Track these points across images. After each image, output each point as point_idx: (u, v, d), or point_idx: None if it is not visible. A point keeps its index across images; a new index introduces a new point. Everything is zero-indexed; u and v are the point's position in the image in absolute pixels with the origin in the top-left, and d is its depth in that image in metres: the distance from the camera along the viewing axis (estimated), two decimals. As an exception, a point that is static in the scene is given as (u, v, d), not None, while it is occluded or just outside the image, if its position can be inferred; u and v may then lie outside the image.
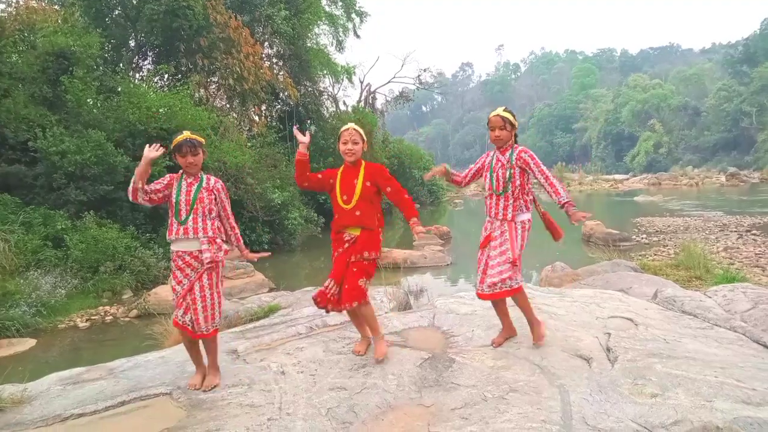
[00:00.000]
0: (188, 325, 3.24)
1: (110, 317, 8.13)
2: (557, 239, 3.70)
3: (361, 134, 3.59)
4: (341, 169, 3.64)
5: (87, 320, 7.92)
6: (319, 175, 3.68)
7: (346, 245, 3.53)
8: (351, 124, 3.63)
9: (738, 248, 11.21)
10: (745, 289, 4.78)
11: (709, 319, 4.16)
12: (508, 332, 3.76)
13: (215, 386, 3.26)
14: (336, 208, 3.59)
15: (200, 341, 3.36)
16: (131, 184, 3.31)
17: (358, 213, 3.49)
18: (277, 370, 3.45)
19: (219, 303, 3.35)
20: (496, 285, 3.50)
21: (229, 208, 3.50)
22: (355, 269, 3.48)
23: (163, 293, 8.35)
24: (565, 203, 3.35)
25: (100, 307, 8.47)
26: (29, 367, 5.45)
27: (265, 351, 3.85)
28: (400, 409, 2.89)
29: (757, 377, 2.97)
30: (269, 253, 4.03)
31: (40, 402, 3.17)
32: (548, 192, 3.45)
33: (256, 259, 3.73)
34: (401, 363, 3.45)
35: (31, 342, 6.89)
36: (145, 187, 3.33)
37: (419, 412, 2.83)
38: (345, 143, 3.55)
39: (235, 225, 3.54)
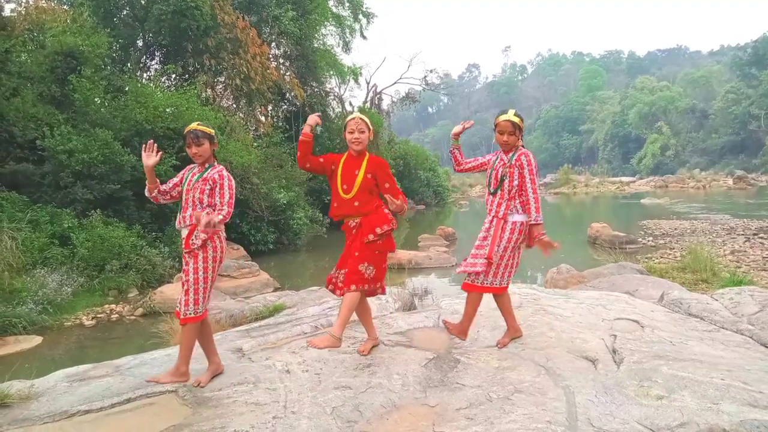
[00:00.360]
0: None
1: (116, 315, 8.17)
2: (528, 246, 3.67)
3: (367, 123, 3.57)
4: (344, 157, 3.63)
5: (93, 318, 7.97)
6: (321, 159, 3.66)
7: (354, 232, 3.52)
8: (357, 113, 3.64)
9: (745, 251, 11.15)
10: (752, 292, 4.76)
11: (716, 321, 4.14)
12: (513, 333, 3.75)
13: (163, 383, 3.19)
14: (335, 196, 3.58)
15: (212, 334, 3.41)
16: (147, 193, 3.40)
17: (356, 203, 3.48)
18: (282, 368, 3.45)
19: (199, 290, 3.18)
20: (465, 274, 3.58)
21: (218, 198, 3.24)
22: (356, 253, 3.45)
23: (169, 292, 8.38)
24: (535, 224, 3.42)
25: (106, 306, 8.51)
26: (36, 364, 5.48)
27: (270, 350, 3.85)
28: (404, 408, 2.88)
29: (764, 380, 2.95)
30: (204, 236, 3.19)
31: (46, 398, 3.18)
32: (528, 202, 3.44)
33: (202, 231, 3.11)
34: (406, 363, 3.45)
35: (37, 339, 6.93)
36: (161, 188, 3.39)
37: (424, 412, 2.83)
38: (351, 132, 3.53)
39: (222, 208, 3.21)
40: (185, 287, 3.19)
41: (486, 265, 3.48)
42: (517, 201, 3.51)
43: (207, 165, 3.36)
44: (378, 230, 3.45)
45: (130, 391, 3.22)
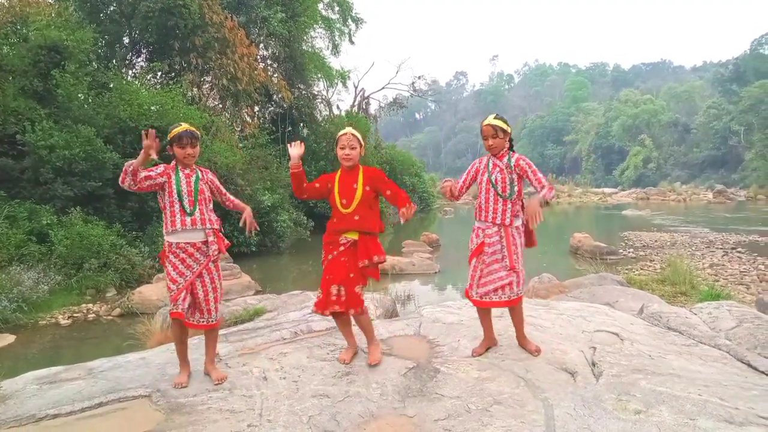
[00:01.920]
0: (191, 320, 3.29)
1: (93, 315, 8.02)
2: (528, 247, 3.66)
3: (358, 139, 3.56)
4: (339, 173, 3.60)
5: (69, 317, 7.82)
6: (317, 184, 3.62)
7: (342, 248, 3.46)
8: (348, 129, 3.60)
9: (723, 265, 11.30)
10: (729, 307, 4.80)
11: (694, 336, 4.17)
12: (489, 342, 3.73)
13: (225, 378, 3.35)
14: (335, 212, 3.53)
15: (188, 338, 3.42)
16: (125, 168, 3.14)
17: (357, 217, 3.44)
18: (260, 375, 3.40)
19: (222, 292, 3.44)
20: (489, 294, 3.47)
21: (226, 196, 3.64)
22: (352, 275, 3.43)
23: (148, 292, 8.26)
24: (542, 196, 3.35)
25: (83, 305, 8.36)
26: (7, 364, 5.34)
27: (247, 355, 3.79)
28: (382, 418, 2.85)
29: (740, 396, 2.96)
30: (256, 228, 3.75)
31: (14, 401, 3.10)
32: (537, 188, 3.44)
33: (255, 228, 3.74)
34: (385, 372, 3.42)
35: (10, 338, 6.78)
36: (146, 174, 3.21)
37: (402, 423, 2.80)
38: (342, 148, 3.51)
39: (232, 199, 3.71)
40: (215, 294, 3.34)
41: (511, 275, 3.44)
42: (518, 206, 3.51)
43: (194, 167, 3.40)
44: (375, 258, 3.46)
45: (102, 395, 3.15)
